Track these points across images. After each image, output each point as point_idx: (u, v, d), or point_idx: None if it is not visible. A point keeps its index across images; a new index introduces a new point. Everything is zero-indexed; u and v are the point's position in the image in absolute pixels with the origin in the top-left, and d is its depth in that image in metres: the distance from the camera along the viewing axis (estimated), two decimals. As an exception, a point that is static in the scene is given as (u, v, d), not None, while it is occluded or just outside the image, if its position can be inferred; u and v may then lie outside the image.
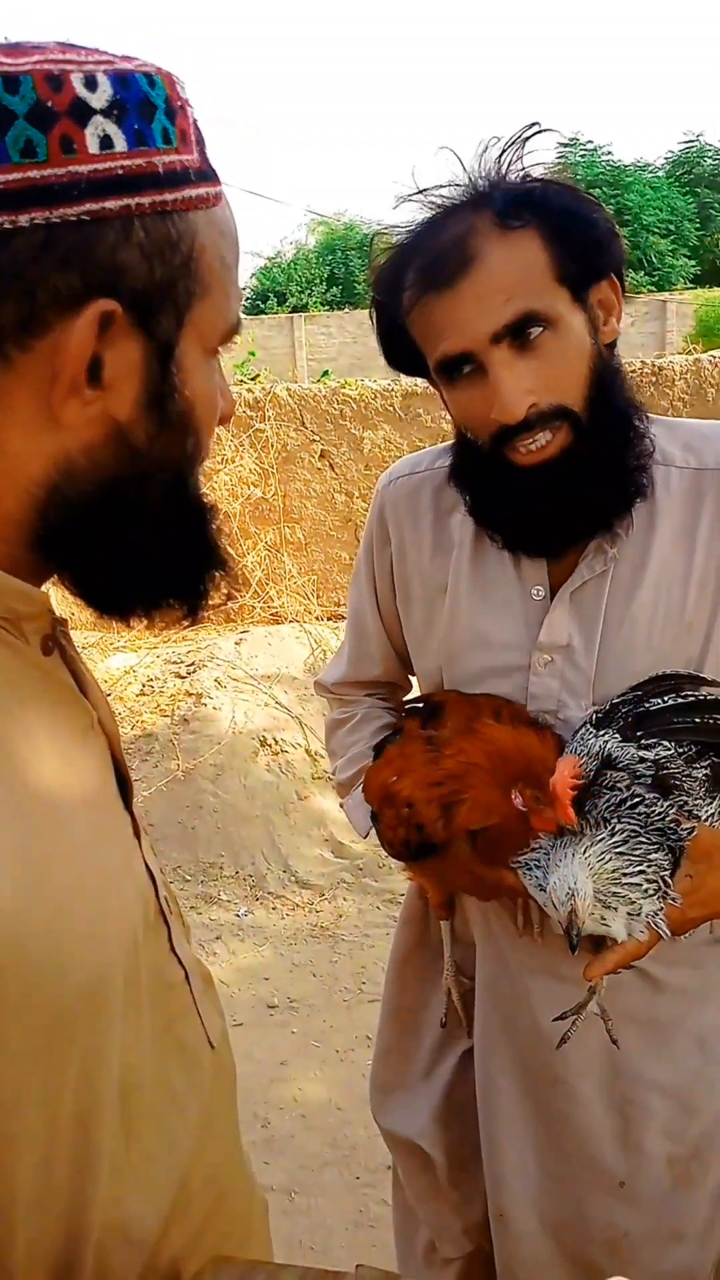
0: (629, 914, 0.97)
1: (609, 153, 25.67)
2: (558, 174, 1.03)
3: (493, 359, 0.98)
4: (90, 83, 0.55)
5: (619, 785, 1.01)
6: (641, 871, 0.97)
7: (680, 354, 7.61)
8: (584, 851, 0.96)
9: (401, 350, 1.08)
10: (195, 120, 0.62)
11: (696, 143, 27.96)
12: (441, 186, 1.03)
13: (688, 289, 21.96)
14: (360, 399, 5.98)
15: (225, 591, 0.70)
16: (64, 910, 0.58)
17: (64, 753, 0.63)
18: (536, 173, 1.03)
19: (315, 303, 24.71)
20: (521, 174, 1.02)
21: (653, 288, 21.92)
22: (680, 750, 1.03)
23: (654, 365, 6.16)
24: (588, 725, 1.06)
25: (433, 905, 1.26)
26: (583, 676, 1.09)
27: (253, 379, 6.78)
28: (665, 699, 1.04)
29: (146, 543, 0.64)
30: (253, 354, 8.11)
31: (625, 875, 0.96)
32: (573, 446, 1.02)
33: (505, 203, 0.98)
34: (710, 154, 27.70)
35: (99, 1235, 0.65)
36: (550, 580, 1.12)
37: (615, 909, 0.97)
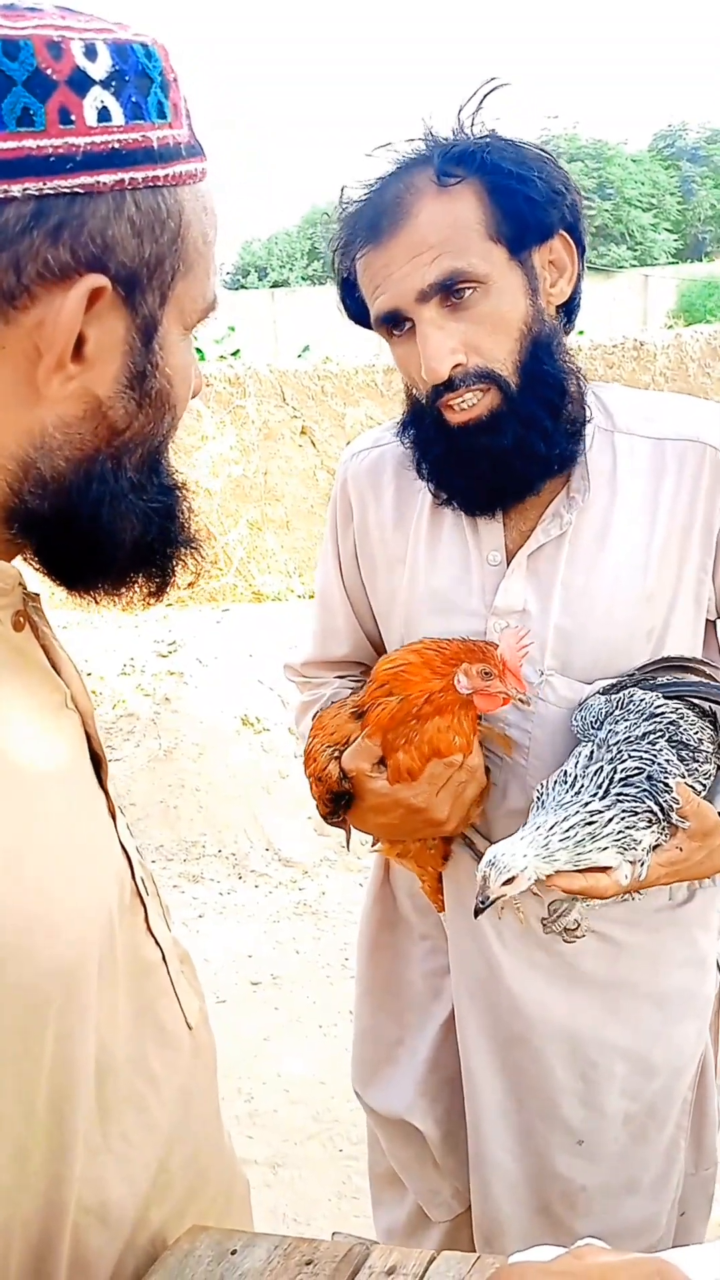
0: (623, 849, 0.97)
1: (592, 126, 25.48)
2: (515, 137, 1.03)
3: (421, 317, 1.00)
4: (90, 52, 0.54)
5: (636, 712, 1.02)
6: (626, 821, 0.97)
7: (662, 329, 7.60)
8: (540, 828, 0.96)
9: (356, 302, 1.09)
10: (185, 95, 0.61)
11: (677, 123, 27.82)
12: (403, 141, 1.04)
13: (669, 263, 21.92)
14: (342, 374, 5.94)
15: (194, 570, 0.70)
16: (37, 891, 0.58)
17: (36, 730, 0.63)
18: (501, 131, 1.02)
19: (296, 278, 24.51)
20: (482, 133, 1.02)
21: (635, 262, 21.86)
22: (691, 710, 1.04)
23: (636, 341, 6.15)
24: (595, 694, 1.07)
25: (428, 896, 1.26)
26: (539, 642, 1.09)
27: (233, 354, 6.73)
28: (674, 675, 1.07)
29: (119, 520, 0.63)
30: (232, 329, 8.04)
31: (593, 841, 0.96)
32: (500, 409, 1.02)
33: (445, 159, 0.99)
34: (692, 129, 27.57)
35: (76, 1217, 0.65)
36: (508, 546, 1.12)
37: (604, 850, 0.97)
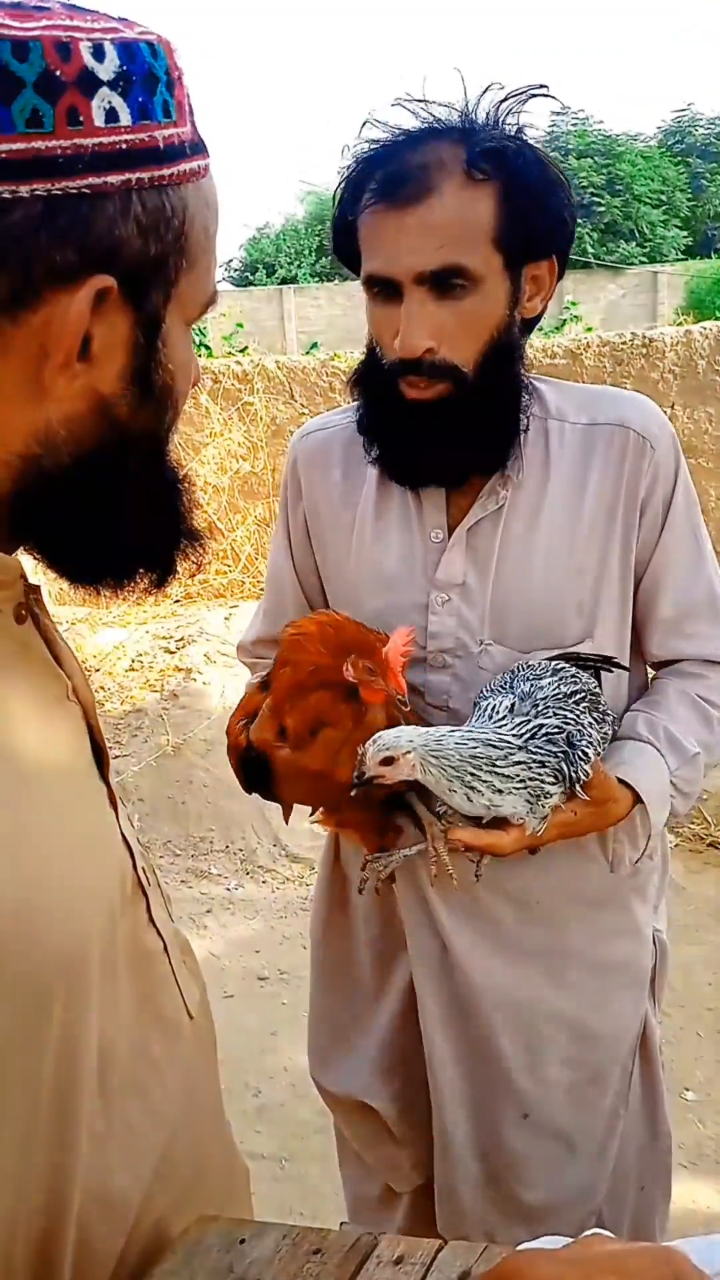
0: (472, 798, 0.97)
1: (600, 122, 25.42)
2: (543, 144, 1.07)
3: (410, 294, 1.03)
4: (98, 52, 0.55)
5: (558, 675, 1.05)
6: (531, 770, 0.97)
7: (671, 326, 7.58)
8: (442, 730, 0.97)
9: (348, 245, 1.11)
10: (189, 92, 0.61)
11: (688, 112, 27.69)
12: (437, 104, 1.05)
13: (679, 260, 21.82)
14: (350, 371, 5.92)
15: (196, 562, 0.70)
16: (38, 883, 0.58)
17: (38, 722, 0.63)
18: (529, 134, 1.05)
19: (304, 274, 24.47)
20: (515, 129, 1.05)
21: (644, 259, 21.76)
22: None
23: (645, 337, 6.13)
24: (492, 683, 1.09)
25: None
26: (478, 614, 1.16)
27: (241, 351, 6.73)
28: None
29: (121, 514, 0.64)
30: (240, 326, 8.04)
31: (492, 765, 0.96)
32: (453, 398, 1.07)
33: (479, 150, 1.01)
34: (702, 124, 27.44)
35: (81, 1204, 0.65)
36: (449, 524, 1.17)
37: (463, 788, 0.96)
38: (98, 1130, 0.67)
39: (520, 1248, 0.60)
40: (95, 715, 0.72)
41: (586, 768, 1.02)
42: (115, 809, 0.72)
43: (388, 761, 0.94)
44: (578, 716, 1.02)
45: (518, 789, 0.98)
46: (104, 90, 0.55)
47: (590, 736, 1.03)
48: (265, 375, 5.93)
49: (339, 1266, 0.72)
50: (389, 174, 1.03)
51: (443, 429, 1.08)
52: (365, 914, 1.33)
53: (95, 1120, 0.66)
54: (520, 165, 1.02)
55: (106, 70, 0.55)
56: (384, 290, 1.06)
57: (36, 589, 0.68)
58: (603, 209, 22.71)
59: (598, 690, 1.11)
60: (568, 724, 1.01)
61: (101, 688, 4.39)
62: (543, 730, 1.00)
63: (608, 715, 1.12)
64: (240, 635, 1.46)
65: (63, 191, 0.54)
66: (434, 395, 1.06)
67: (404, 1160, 1.37)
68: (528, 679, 1.06)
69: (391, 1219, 1.42)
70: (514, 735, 0.98)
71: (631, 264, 20.59)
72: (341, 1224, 1.59)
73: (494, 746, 0.97)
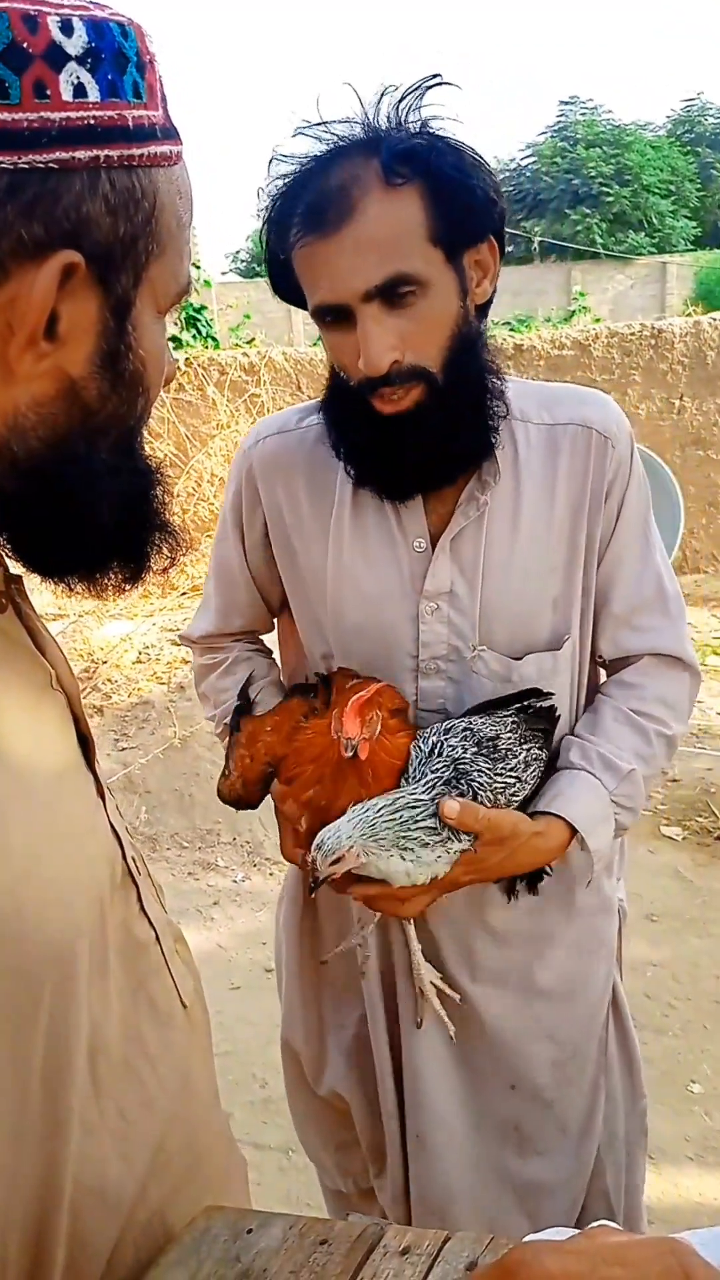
0: (406, 857, 1.03)
1: (609, 111, 25.26)
2: (447, 133, 1.04)
3: (363, 314, 1.02)
4: (66, 27, 0.54)
5: (457, 740, 1.10)
6: (424, 823, 1.03)
7: (680, 316, 7.54)
8: (369, 809, 1.02)
9: (287, 282, 1.10)
10: (161, 77, 0.61)
11: (697, 101, 27.51)
12: (338, 122, 1.04)
13: (688, 250, 21.70)
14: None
15: (170, 556, 0.69)
16: (25, 873, 0.58)
17: (23, 711, 0.63)
18: (434, 125, 1.04)
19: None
20: (419, 124, 1.03)
21: (653, 249, 21.64)
22: (513, 727, 1.14)
23: (653, 328, 6.10)
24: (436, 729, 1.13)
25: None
26: (467, 620, 1.17)
27: (248, 342, 6.72)
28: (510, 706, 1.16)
29: (93, 504, 0.63)
30: (248, 316, 8.02)
31: (415, 824, 1.02)
32: (426, 402, 1.07)
33: (391, 156, 1.00)
34: (711, 113, 27.27)
35: (74, 1195, 0.65)
36: (430, 532, 1.18)
37: (398, 852, 1.02)
38: (90, 1120, 0.67)
39: (527, 1239, 0.60)
40: (80, 704, 0.71)
41: (448, 806, 1.06)
42: (103, 798, 0.72)
43: (336, 861, 1.00)
44: (471, 759, 1.08)
45: (433, 840, 1.04)
46: (72, 65, 0.54)
47: (477, 779, 1.08)
48: (272, 367, 5.92)
49: (345, 1256, 0.72)
50: (309, 205, 1.01)
51: (423, 434, 1.08)
52: (335, 901, 1.34)
53: (87, 1110, 0.66)
54: (435, 159, 1.00)
55: (75, 45, 0.54)
56: (335, 317, 1.05)
57: (19, 579, 0.67)
58: (611, 199, 22.58)
59: (493, 734, 1.14)
60: (460, 764, 1.07)
61: (109, 680, 4.40)
62: (440, 778, 1.06)
63: (509, 752, 1.15)
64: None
65: (29, 165, 0.53)
66: (409, 404, 1.06)
67: (359, 1159, 1.41)
68: (440, 730, 1.12)
69: (371, 1211, 1.44)
70: (424, 790, 1.04)
71: (640, 254, 20.47)
72: (348, 1214, 1.60)
73: (411, 806, 1.03)
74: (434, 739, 1.09)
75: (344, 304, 1.03)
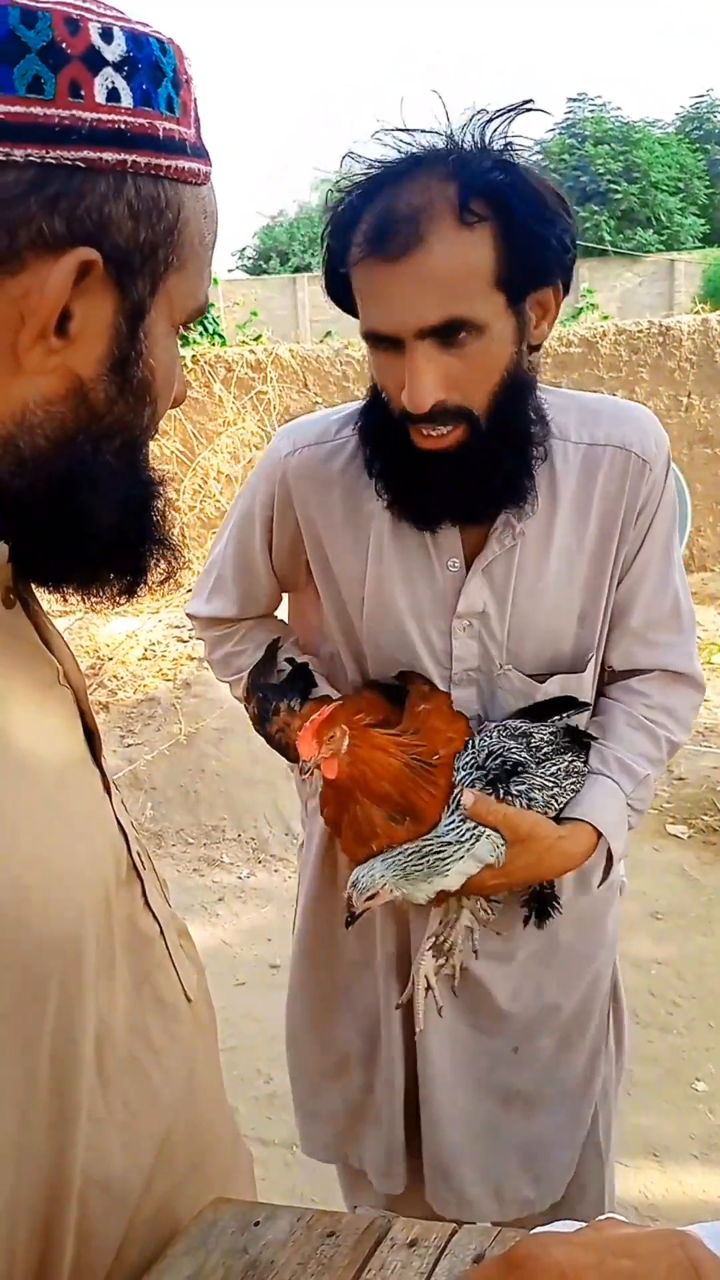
0: (435, 882, 1.09)
1: (618, 108, 25.17)
2: (537, 164, 1.02)
3: (414, 350, 1.00)
4: (106, 34, 0.56)
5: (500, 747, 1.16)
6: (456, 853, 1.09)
7: (688, 314, 7.52)
8: (398, 853, 1.08)
9: (342, 291, 1.08)
10: (196, 99, 0.62)
11: (706, 98, 27.40)
12: (421, 131, 1.00)
13: (696, 248, 21.63)
14: (363, 360, 5.92)
15: (168, 570, 0.69)
16: (32, 866, 0.58)
17: (30, 706, 0.63)
18: (519, 145, 1.00)
19: (318, 262, 24.35)
20: (504, 143, 1.00)
21: (661, 246, 21.56)
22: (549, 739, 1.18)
23: (661, 326, 6.09)
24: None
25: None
26: (497, 641, 1.20)
27: (255, 339, 6.71)
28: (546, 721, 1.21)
29: (96, 505, 0.63)
30: (254, 314, 8.02)
31: (442, 862, 1.09)
32: (466, 443, 1.05)
33: (469, 190, 0.95)
34: (720, 111, 27.14)
35: (81, 1187, 0.66)
36: (464, 551, 1.18)
37: (425, 885, 1.09)
38: (97, 1112, 0.67)
39: (534, 1232, 0.60)
40: (86, 699, 0.72)
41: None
42: (109, 793, 0.72)
43: (371, 898, 1.06)
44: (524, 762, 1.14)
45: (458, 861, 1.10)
46: (108, 70, 0.55)
47: (526, 781, 1.14)
48: (279, 364, 5.92)
49: (353, 1249, 0.72)
50: (377, 224, 0.97)
51: (459, 475, 1.07)
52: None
53: (94, 1102, 0.67)
54: (516, 202, 0.96)
55: (113, 52, 0.56)
56: (385, 343, 1.03)
57: None
58: (619, 196, 22.51)
59: (521, 755, 1.16)
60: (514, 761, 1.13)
61: (114, 676, 4.41)
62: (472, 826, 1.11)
63: (543, 758, 1.18)
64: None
65: (56, 160, 0.54)
66: (450, 443, 1.05)
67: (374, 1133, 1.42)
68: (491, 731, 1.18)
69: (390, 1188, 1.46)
70: (454, 835, 1.09)
71: (648, 251, 20.41)
72: (354, 1208, 1.61)
73: (436, 853, 1.08)
74: (486, 741, 1.14)
75: (396, 336, 1.00)
